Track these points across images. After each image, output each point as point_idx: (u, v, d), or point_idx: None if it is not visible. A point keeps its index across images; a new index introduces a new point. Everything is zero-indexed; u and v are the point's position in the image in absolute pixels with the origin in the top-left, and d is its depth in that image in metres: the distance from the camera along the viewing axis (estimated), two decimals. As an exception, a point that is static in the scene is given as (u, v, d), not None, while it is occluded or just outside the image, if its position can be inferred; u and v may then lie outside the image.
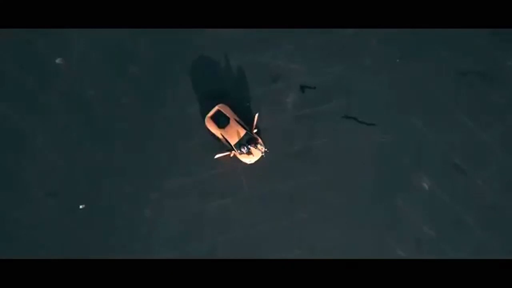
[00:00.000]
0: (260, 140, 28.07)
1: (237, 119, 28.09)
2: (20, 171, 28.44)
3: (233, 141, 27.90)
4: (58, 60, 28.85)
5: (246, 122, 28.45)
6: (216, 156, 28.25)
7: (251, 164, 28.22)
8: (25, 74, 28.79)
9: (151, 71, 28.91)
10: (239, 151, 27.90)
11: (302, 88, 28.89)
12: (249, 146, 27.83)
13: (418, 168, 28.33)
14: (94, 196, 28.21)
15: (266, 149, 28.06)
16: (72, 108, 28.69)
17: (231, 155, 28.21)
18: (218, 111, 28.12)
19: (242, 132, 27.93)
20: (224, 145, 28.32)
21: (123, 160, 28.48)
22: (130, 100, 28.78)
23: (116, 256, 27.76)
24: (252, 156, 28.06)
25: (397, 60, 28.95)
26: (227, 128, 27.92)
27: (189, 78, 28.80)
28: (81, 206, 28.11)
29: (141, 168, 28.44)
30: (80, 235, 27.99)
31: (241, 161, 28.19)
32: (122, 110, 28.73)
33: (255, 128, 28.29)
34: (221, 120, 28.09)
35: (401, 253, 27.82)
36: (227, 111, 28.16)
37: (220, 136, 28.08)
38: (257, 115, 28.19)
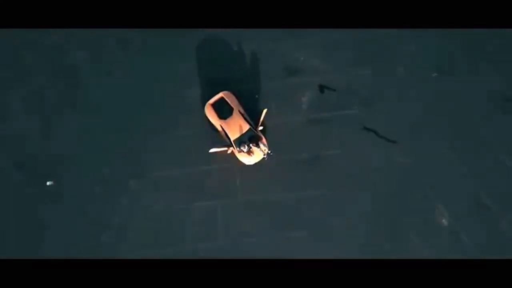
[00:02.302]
0: (264, 140, 26.00)
1: (242, 111, 26.04)
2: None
3: (233, 136, 25.83)
4: None
5: (251, 116, 26.45)
6: (211, 151, 26.24)
7: (250, 165, 26.24)
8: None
9: (151, 56, 27.44)
10: (238, 149, 25.84)
11: (322, 87, 26.97)
12: (250, 145, 25.77)
13: (438, 201, 26.08)
14: (66, 174, 26.38)
15: (269, 151, 25.93)
16: (57, 74, 27.19)
17: (229, 151, 26.14)
18: (222, 99, 26.20)
19: (245, 127, 25.84)
20: (223, 139, 26.40)
21: (105, 138, 26.65)
22: (123, 74, 27.14)
23: (76, 253, 25.75)
24: (252, 157, 26.02)
25: (434, 74, 26.84)
26: (229, 120, 25.91)
27: (193, 61, 27.20)
28: (48, 183, 26.23)
29: (124, 151, 26.63)
30: (43, 222, 25.95)
31: (239, 160, 26.19)
32: (112, 83, 27.05)
33: (260, 125, 26.28)
34: (223, 110, 26.17)
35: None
36: (231, 100, 26.11)
37: (220, 128, 26.05)
38: (265, 110, 26.17)
